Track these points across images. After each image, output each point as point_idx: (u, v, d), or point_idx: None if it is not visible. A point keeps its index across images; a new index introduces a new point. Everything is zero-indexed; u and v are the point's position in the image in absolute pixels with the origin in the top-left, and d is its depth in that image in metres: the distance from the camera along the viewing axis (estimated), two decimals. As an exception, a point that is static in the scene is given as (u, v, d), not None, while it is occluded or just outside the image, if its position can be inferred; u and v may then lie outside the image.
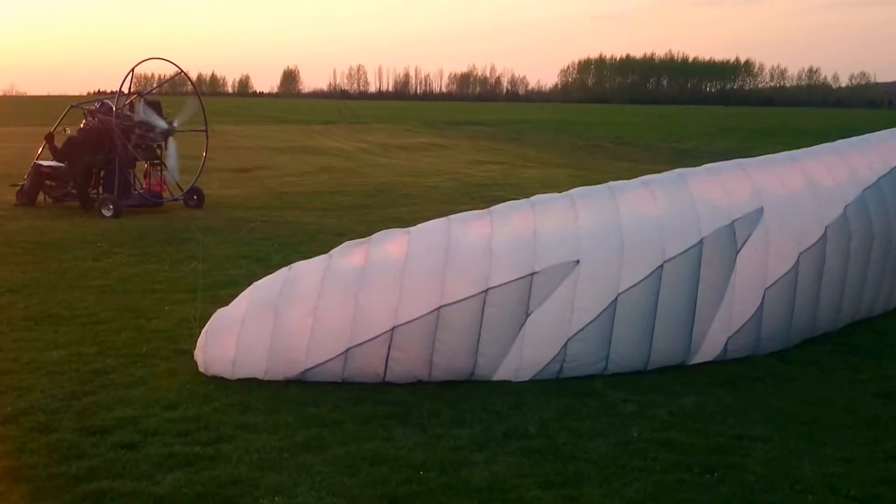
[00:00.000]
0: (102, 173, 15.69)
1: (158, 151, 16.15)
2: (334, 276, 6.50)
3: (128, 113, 15.77)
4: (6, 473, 4.88)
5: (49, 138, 15.91)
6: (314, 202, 17.52)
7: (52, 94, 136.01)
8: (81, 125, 15.97)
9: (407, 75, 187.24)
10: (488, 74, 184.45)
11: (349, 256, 6.67)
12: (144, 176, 16.27)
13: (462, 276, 6.42)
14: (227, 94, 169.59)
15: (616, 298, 6.62)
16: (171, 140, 15.90)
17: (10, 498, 4.63)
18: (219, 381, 6.41)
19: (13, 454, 5.13)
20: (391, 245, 6.71)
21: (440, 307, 6.35)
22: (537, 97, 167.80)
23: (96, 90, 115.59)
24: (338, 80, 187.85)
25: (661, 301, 6.74)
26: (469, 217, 6.97)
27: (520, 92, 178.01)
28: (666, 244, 6.78)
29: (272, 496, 4.68)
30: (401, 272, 6.43)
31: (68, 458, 5.08)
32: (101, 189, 15.73)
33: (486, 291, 6.41)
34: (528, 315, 6.50)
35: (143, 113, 15.50)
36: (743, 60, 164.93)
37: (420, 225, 7.01)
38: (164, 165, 16.32)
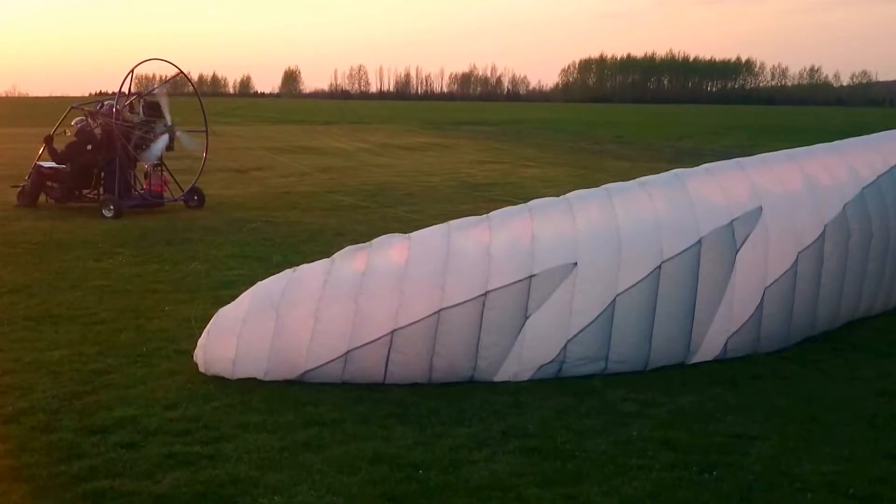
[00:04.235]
0: (103, 174, 15.71)
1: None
2: (336, 280, 6.53)
3: (128, 114, 15.80)
4: (7, 473, 4.90)
5: (48, 140, 15.93)
6: (315, 202, 17.53)
7: (53, 94, 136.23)
8: (73, 123, 15.98)
9: (408, 75, 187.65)
10: (489, 74, 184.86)
11: (351, 260, 6.69)
12: (145, 176, 16.29)
13: (461, 280, 6.44)
14: (228, 95, 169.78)
15: (614, 300, 6.63)
16: (164, 136, 15.83)
17: (10, 497, 4.65)
18: (219, 381, 6.42)
19: (14, 453, 5.14)
20: (392, 250, 6.74)
21: (440, 310, 6.37)
22: (538, 97, 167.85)
23: (98, 91, 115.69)
24: (339, 81, 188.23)
25: (659, 301, 6.75)
26: (468, 223, 7.00)
27: (521, 92, 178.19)
28: (664, 245, 6.79)
29: (272, 495, 4.69)
30: (401, 276, 6.45)
31: (69, 458, 5.09)
32: (101, 189, 15.75)
33: (485, 294, 6.43)
34: (527, 318, 6.52)
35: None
36: (744, 59, 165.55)
37: (420, 231, 7.04)
38: (165, 166, 16.35)
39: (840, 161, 8.21)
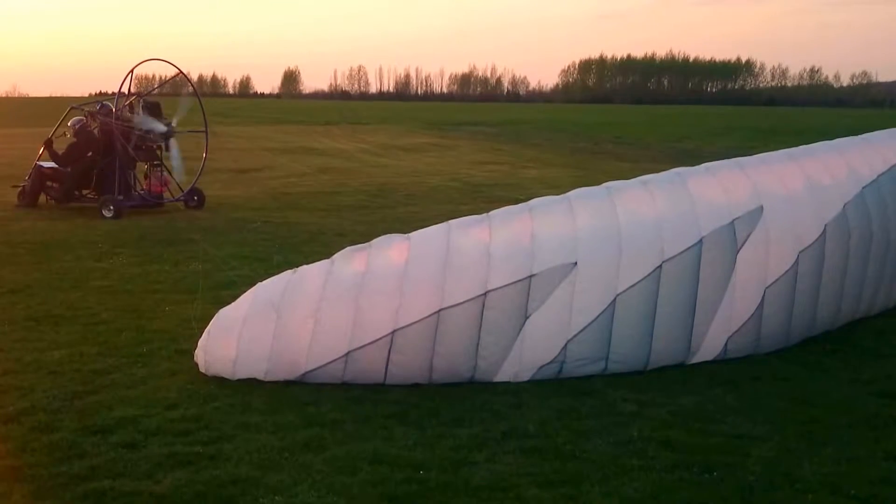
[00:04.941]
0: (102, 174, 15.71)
1: (158, 153, 16.19)
2: (336, 280, 6.53)
3: (128, 114, 15.81)
4: (7, 473, 4.90)
5: (48, 144, 15.93)
6: (315, 203, 17.54)
7: (54, 95, 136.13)
8: (70, 124, 16.00)
9: (407, 76, 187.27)
10: (489, 75, 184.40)
11: (351, 261, 6.70)
12: (145, 177, 16.30)
13: (461, 280, 6.44)
14: (228, 95, 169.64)
15: (615, 299, 6.63)
16: (172, 141, 15.97)
17: (11, 497, 4.65)
18: (219, 381, 6.42)
19: (14, 454, 5.14)
20: (392, 250, 6.74)
21: (440, 310, 6.37)
22: (538, 97, 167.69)
23: (98, 91, 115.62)
24: (338, 81, 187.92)
25: (660, 301, 6.75)
26: (468, 222, 7.00)
27: (521, 92, 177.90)
28: (665, 244, 6.79)
29: (272, 495, 4.70)
30: (401, 276, 6.45)
31: (69, 458, 5.09)
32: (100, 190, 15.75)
33: (484, 294, 6.43)
34: (527, 317, 6.52)
35: (140, 117, 15.54)
36: (744, 60, 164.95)
37: (420, 231, 7.04)
38: (165, 166, 16.36)
39: (840, 160, 8.21)
